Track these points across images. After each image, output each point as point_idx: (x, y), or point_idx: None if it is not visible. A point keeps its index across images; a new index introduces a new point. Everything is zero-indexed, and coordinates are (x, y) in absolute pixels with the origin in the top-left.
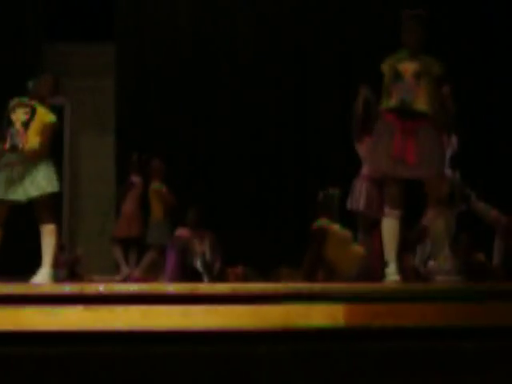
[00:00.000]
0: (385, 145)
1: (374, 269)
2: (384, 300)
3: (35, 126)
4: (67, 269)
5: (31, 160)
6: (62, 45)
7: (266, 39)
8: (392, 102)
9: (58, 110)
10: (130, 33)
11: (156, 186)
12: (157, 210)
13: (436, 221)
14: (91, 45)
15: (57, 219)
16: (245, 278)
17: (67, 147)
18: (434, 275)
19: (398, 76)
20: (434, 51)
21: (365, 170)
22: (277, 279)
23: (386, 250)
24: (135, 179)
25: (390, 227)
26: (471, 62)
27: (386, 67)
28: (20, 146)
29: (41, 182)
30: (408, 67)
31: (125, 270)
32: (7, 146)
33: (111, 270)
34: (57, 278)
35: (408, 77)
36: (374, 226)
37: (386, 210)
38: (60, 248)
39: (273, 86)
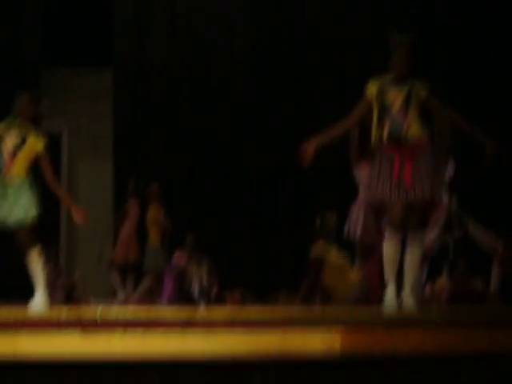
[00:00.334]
0: (384, 172)
1: (371, 294)
2: (382, 326)
3: (24, 153)
4: (64, 293)
5: (15, 185)
6: (61, 70)
7: (265, 64)
8: (384, 134)
9: (55, 135)
10: (128, 58)
11: (153, 211)
12: (154, 236)
13: (414, 248)
14: (89, 70)
15: (55, 244)
16: (242, 303)
17: (65, 172)
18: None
19: (385, 107)
20: (431, 76)
21: (362, 194)
22: (274, 303)
23: (385, 272)
24: (132, 205)
25: (389, 249)
26: (469, 87)
27: (371, 93)
28: (4, 173)
29: (23, 207)
30: (396, 96)
31: (122, 294)
32: None
33: (108, 295)
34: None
35: (396, 106)
36: (372, 251)
37: (386, 232)
38: (57, 272)
39: (271, 109)
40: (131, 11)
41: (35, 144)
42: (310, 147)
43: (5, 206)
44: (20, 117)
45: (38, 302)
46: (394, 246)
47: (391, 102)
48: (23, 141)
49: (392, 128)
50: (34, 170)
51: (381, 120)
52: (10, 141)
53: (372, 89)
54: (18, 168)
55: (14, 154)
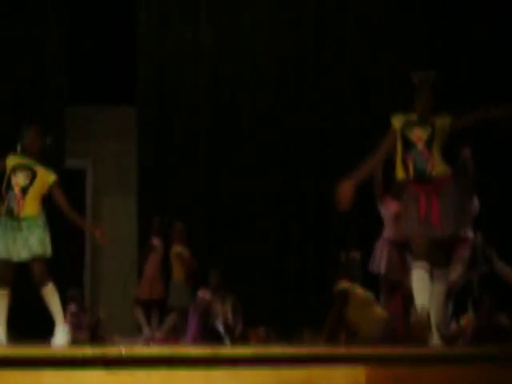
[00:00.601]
0: (411, 210)
1: (396, 331)
2: (407, 363)
3: (34, 190)
4: (89, 331)
5: (28, 220)
6: (85, 108)
7: (287, 100)
8: (409, 173)
9: (80, 172)
10: (152, 96)
11: (178, 249)
12: (178, 273)
13: (440, 283)
14: (113, 108)
15: (79, 282)
16: (267, 341)
17: (89, 209)
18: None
19: (410, 145)
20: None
21: (386, 232)
22: (299, 341)
23: (416, 304)
24: (156, 242)
25: (418, 280)
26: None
27: (396, 127)
28: (16, 211)
29: (33, 245)
30: (420, 135)
31: (147, 332)
32: (4, 209)
33: (133, 332)
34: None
35: (421, 145)
36: (396, 289)
37: (413, 265)
38: (82, 311)
39: (296, 145)
40: (155, 49)
41: (46, 178)
42: (348, 189)
43: (19, 238)
44: (28, 151)
45: (60, 337)
46: (422, 275)
47: (416, 140)
48: (33, 177)
49: (417, 166)
50: (47, 210)
51: (405, 157)
52: (21, 177)
53: (397, 123)
54: (31, 206)
55: (25, 191)
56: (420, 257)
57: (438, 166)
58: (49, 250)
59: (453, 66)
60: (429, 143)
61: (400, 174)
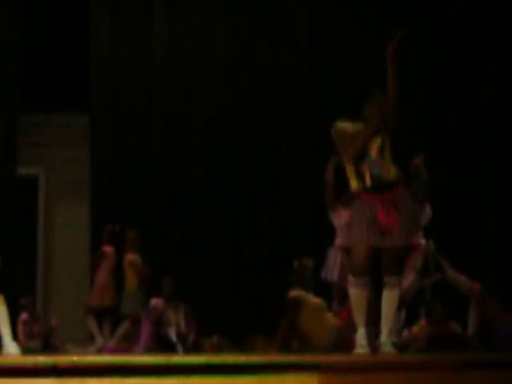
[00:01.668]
0: (365, 219)
1: (348, 339)
2: (358, 370)
3: None
4: (42, 339)
5: None
6: (37, 116)
7: (244, 103)
8: (366, 182)
9: (32, 180)
10: (105, 103)
11: (130, 256)
12: (131, 281)
13: (392, 291)
14: (66, 115)
15: (31, 290)
16: (219, 349)
17: (41, 217)
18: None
19: (363, 155)
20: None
21: (338, 239)
22: (251, 349)
23: (354, 317)
24: (108, 249)
25: (354, 295)
26: (445, 131)
27: (350, 141)
28: None
29: None
30: (373, 144)
31: (99, 340)
32: None
33: (86, 341)
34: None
35: (374, 153)
36: (348, 296)
37: (350, 278)
38: (34, 320)
39: (249, 151)
40: (108, 56)
41: None
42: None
43: None
44: None
45: (11, 346)
46: (359, 290)
47: (369, 149)
48: None
49: (373, 173)
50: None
51: (359, 167)
52: None
53: (350, 131)
54: None
55: None
56: (356, 271)
57: (392, 172)
58: None
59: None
60: (381, 150)
61: (354, 183)
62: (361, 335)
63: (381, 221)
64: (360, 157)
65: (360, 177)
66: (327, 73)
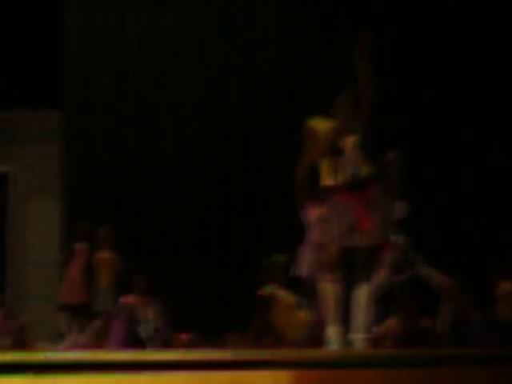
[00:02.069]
0: (340, 221)
1: (320, 334)
2: (330, 366)
3: None
4: (13, 336)
5: None
6: (7, 112)
7: (215, 103)
8: (340, 178)
9: (1, 177)
10: (77, 99)
11: (102, 254)
12: (103, 278)
13: (363, 288)
14: (36, 112)
15: (2, 287)
16: (191, 345)
17: (11, 214)
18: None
19: (338, 151)
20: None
21: (309, 236)
22: (223, 345)
23: (324, 314)
24: (80, 246)
25: (324, 292)
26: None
27: (323, 138)
28: None
29: None
30: (347, 141)
31: (71, 337)
32: None
33: (57, 338)
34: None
35: (348, 149)
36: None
37: (320, 275)
38: (6, 316)
39: (220, 149)
40: (79, 51)
41: None
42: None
43: None
44: None
45: None
46: (328, 287)
47: (343, 146)
48: None
49: (348, 171)
50: None
51: (334, 164)
52: None
53: (321, 129)
54: None
55: None
56: (330, 269)
57: (366, 169)
58: None
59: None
60: (355, 148)
61: (327, 180)
62: (331, 331)
63: (356, 222)
64: (335, 153)
65: (335, 174)
66: (300, 63)
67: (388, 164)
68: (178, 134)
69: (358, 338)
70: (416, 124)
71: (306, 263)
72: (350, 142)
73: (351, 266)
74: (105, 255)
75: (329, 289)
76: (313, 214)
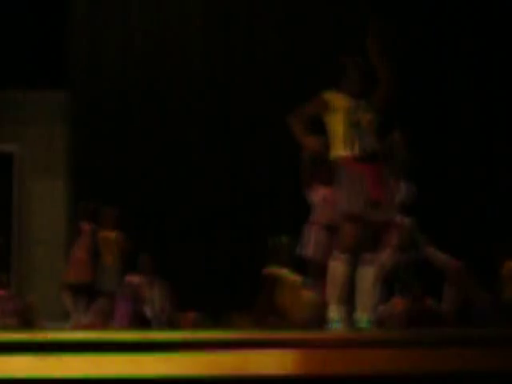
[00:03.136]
0: (359, 192)
1: (325, 314)
2: (335, 347)
3: None
4: (18, 316)
5: None
6: (13, 92)
7: (219, 86)
8: (355, 150)
9: (7, 156)
10: (83, 80)
11: (107, 233)
12: (107, 257)
13: (368, 268)
14: (42, 92)
15: (6, 267)
16: (196, 325)
17: (16, 194)
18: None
19: (355, 124)
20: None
21: (315, 216)
22: (228, 325)
23: (329, 294)
24: (85, 226)
25: (337, 272)
26: (429, 109)
27: (339, 108)
28: None
29: None
30: (364, 116)
31: (75, 316)
32: None
33: (62, 317)
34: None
35: (365, 125)
36: (324, 272)
37: (336, 254)
38: (9, 297)
39: (224, 135)
40: (85, 32)
41: None
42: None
43: None
44: None
45: None
46: (344, 267)
47: (360, 120)
48: None
49: (363, 145)
50: None
51: (350, 136)
52: None
53: (338, 101)
54: None
55: None
56: (346, 249)
57: (378, 146)
58: None
59: None
60: (371, 124)
61: (341, 151)
62: (335, 311)
63: (371, 192)
64: (351, 125)
65: (350, 145)
66: (304, 52)
67: (393, 143)
68: (185, 113)
69: (363, 318)
70: (422, 101)
71: (312, 243)
72: (367, 117)
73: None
74: (110, 234)
75: (340, 269)
76: (318, 193)
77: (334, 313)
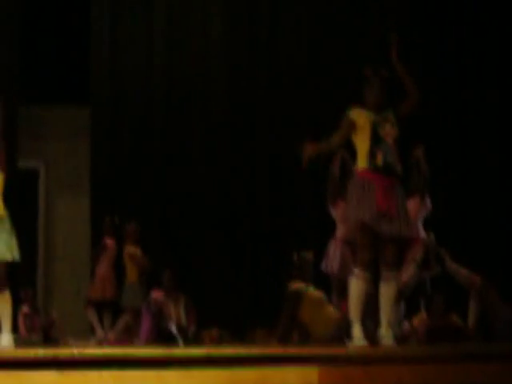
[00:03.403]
0: (368, 200)
1: (348, 331)
2: (359, 363)
3: None
4: (42, 332)
5: None
6: (38, 108)
7: (240, 99)
8: (377, 163)
9: (32, 173)
10: (105, 96)
11: (130, 249)
12: (131, 273)
13: (391, 284)
14: (66, 108)
15: (32, 282)
16: (220, 341)
17: (42, 210)
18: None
19: (379, 138)
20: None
21: (339, 232)
22: (252, 341)
23: (350, 311)
24: (109, 242)
25: (356, 288)
26: (444, 124)
27: (364, 124)
28: None
29: (5, 242)
30: (389, 131)
31: (100, 333)
32: None
33: (87, 333)
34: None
35: (390, 140)
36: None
37: (355, 270)
38: (35, 311)
39: (246, 148)
40: (108, 48)
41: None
42: (309, 149)
43: None
44: None
45: (7, 340)
46: (361, 285)
47: (385, 135)
48: None
49: (387, 159)
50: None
51: (374, 148)
52: None
53: (361, 117)
54: None
55: None
56: (362, 265)
57: (399, 164)
58: (16, 254)
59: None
60: (395, 140)
61: (363, 163)
62: (357, 328)
63: (379, 203)
64: (376, 139)
65: (374, 157)
66: (326, 65)
67: (417, 159)
68: (205, 129)
69: (387, 334)
70: (439, 116)
71: (335, 259)
72: (392, 132)
73: (380, 259)
74: (134, 250)
75: (356, 285)
76: (342, 209)
77: (357, 330)
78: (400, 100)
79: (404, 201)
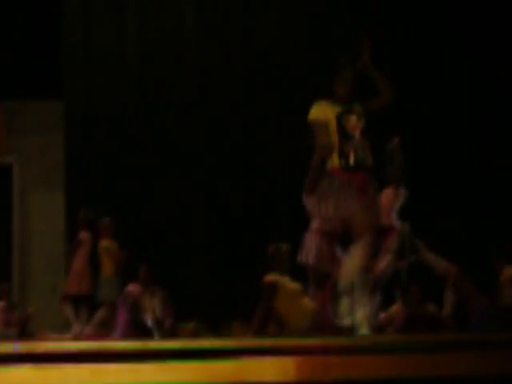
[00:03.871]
0: (336, 195)
1: (324, 322)
2: (334, 353)
3: None
4: (19, 327)
5: None
6: (9, 103)
7: (214, 94)
8: (350, 163)
9: (6, 167)
10: (79, 89)
11: (106, 243)
12: (107, 267)
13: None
14: (38, 102)
15: (7, 277)
16: (196, 334)
17: (16, 204)
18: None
19: (347, 134)
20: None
21: (315, 223)
22: (228, 334)
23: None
24: (84, 236)
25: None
26: (420, 114)
27: (328, 119)
28: None
29: None
30: (355, 124)
31: (76, 327)
32: None
33: (63, 328)
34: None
35: (356, 133)
36: (325, 280)
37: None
38: (11, 306)
39: (223, 135)
40: (81, 43)
41: None
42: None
43: None
44: None
45: None
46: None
47: (352, 129)
48: None
49: (357, 155)
50: None
51: (344, 146)
52: None
53: (328, 113)
54: None
55: None
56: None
57: (369, 156)
58: None
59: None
60: (362, 133)
61: (340, 162)
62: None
63: (356, 198)
64: (344, 135)
65: (343, 156)
66: (300, 52)
67: (393, 152)
68: (180, 122)
69: (363, 323)
70: (414, 107)
71: (310, 250)
72: (357, 124)
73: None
74: (110, 244)
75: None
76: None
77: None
78: (372, 94)
79: (376, 193)
